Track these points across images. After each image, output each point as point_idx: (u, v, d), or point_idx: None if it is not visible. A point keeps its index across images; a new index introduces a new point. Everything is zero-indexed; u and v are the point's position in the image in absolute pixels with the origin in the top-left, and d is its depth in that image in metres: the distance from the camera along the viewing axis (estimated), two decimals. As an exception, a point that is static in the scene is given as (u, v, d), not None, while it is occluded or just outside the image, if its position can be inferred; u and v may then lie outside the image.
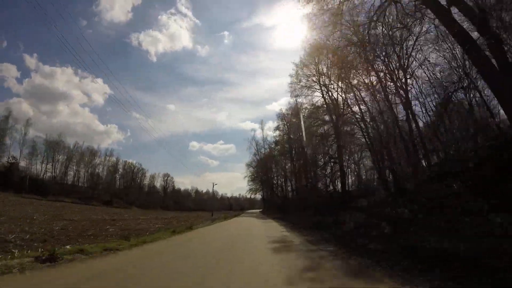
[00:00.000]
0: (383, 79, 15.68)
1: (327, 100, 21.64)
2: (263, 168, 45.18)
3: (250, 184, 54.96)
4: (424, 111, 16.19)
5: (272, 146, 43.84)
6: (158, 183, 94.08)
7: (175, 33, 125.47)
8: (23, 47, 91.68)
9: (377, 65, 15.95)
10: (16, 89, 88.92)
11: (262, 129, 50.80)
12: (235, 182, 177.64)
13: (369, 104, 18.05)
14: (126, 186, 75.27)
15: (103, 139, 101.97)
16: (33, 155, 56.70)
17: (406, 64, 15.60)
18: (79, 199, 57.11)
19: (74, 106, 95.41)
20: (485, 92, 12.97)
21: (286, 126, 37.54)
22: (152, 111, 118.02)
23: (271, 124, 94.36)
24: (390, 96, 15.87)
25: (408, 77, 15.46)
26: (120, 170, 75.27)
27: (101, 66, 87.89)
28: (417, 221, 8.06)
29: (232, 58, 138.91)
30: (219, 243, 9.64)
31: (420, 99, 16.19)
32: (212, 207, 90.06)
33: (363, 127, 17.67)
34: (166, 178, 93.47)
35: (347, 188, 19.35)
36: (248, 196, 71.40)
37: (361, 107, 18.37)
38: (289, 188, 42.83)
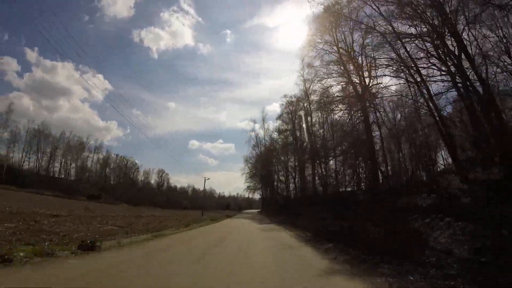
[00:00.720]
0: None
1: (351, 76, 16.93)
2: (264, 161, 40.61)
3: (248, 181, 50.53)
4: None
5: (275, 136, 39.39)
6: (153, 180, 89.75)
7: (177, 31, 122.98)
8: (24, 40, 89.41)
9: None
10: (16, 84, 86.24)
11: (264, 119, 46.11)
12: (233, 182, 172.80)
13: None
14: (117, 181, 70.62)
15: (103, 135, 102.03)
16: (14, 143, 51.99)
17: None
18: (63, 192, 52.60)
19: (75, 102, 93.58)
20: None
21: (290, 116, 33.04)
22: (151, 108, 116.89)
23: (271, 126, 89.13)
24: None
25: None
26: (111, 164, 70.50)
27: (102, 62, 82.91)
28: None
29: (233, 57, 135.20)
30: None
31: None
32: (206, 206, 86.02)
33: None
34: (161, 174, 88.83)
35: (380, 181, 14.55)
36: (246, 195, 66.83)
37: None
38: (292, 186, 38.34)
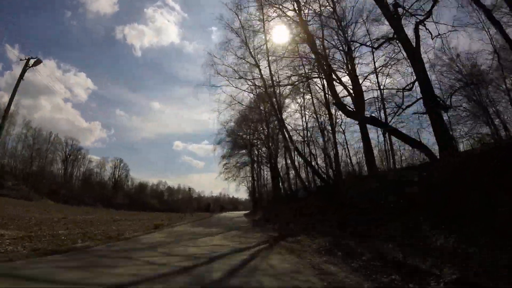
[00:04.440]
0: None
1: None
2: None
3: (225, 161, 32.27)
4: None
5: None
6: (116, 173, 69.14)
7: (161, 27, 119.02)
8: (5, 37, 73.01)
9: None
10: None
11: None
12: (219, 184, 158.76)
13: None
14: (40, 167, 49.60)
15: (86, 136, 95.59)
16: None
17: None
18: None
19: (57, 101, 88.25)
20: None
21: None
22: (135, 108, 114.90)
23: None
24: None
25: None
26: (30, 140, 49.32)
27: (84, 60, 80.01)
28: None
29: (219, 55, 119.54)
30: None
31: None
32: (181, 207, 66.52)
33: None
34: (116, 164, 67.91)
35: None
36: (230, 194, 47.73)
37: None
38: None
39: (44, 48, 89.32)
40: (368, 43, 15.08)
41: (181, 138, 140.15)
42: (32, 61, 14.62)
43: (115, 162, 68.84)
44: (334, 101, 12.26)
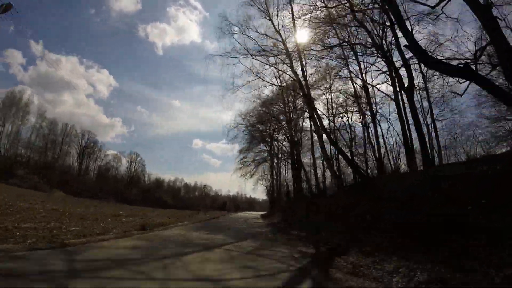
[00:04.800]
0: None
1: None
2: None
3: (241, 158, 28.61)
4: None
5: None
6: (132, 168, 67.91)
7: (183, 26, 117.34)
8: (30, 32, 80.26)
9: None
10: (21, 77, 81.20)
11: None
12: (236, 183, 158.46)
13: None
14: (54, 159, 48.66)
15: (107, 132, 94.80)
16: None
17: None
18: None
19: (79, 97, 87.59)
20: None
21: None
22: (156, 106, 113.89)
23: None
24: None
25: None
26: (45, 130, 48.52)
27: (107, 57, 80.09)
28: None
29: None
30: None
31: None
32: (195, 205, 64.07)
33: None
34: (133, 159, 66.51)
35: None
36: (245, 192, 43.88)
37: None
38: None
39: (67, 44, 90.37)
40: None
41: (200, 136, 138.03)
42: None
43: (132, 156, 67.43)
44: (406, 44, 7.63)
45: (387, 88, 17.58)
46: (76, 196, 45.13)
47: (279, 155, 30.34)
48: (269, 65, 18.46)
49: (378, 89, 17.46)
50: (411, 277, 4.18)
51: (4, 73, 70.46)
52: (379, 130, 18.35)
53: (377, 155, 17.56)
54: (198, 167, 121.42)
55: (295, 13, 15.28)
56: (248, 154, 30.36)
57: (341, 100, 19.94)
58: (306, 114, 20.79)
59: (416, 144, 13.50)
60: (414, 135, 13.50)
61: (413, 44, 7.29)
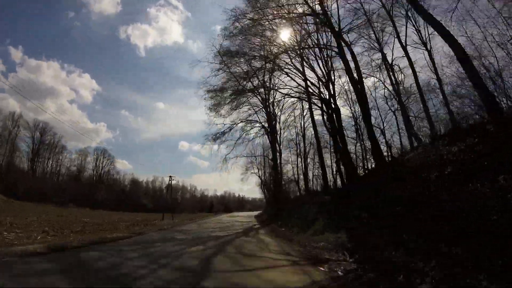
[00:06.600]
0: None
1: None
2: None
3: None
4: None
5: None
6: (91, 164, 58.70)
7: (165, 27, 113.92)
8: (9, 39, 79.59)
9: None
10: (0, 84, 77.66)
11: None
12: (226, 183, 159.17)
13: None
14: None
15: (92, 137, 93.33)
16: None
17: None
18: None
19: (62, 103, 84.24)
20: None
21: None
22: (140, 109, 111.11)
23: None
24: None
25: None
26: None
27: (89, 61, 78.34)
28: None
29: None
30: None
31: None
32: (177, 207, 56.79)
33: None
34: (99, 156, 57.54)
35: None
36: (234, 191, 37.13)
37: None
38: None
39: (47, 49, 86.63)
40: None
41: (187, 138, 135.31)
42: None
43: (97, 153, 58.42)
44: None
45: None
46: (24, 200, 36.34)
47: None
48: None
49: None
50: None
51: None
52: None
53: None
54: (187, 169, 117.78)
55: None
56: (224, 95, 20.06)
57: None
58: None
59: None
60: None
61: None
